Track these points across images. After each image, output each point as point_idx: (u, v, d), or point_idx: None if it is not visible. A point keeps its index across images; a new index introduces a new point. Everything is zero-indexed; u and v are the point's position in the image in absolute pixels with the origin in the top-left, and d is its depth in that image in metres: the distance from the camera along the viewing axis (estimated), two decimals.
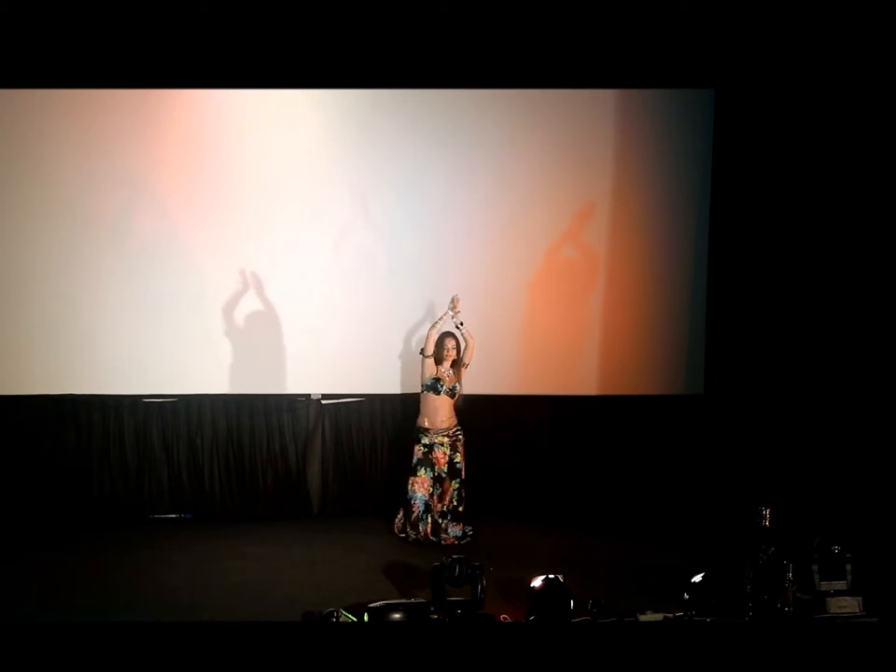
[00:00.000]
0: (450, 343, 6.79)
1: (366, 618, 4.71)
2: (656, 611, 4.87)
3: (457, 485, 6.79)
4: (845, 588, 4.90)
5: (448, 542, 6.67)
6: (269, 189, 7.37)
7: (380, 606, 4.73)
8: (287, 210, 7.42)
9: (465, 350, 6.82)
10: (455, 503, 6.78)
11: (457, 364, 6.83)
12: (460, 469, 6.81)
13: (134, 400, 7.46)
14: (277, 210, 7.40)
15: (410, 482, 6.79)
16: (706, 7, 5.10)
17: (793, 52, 5.35)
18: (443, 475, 6.76)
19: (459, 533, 6.75)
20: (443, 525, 6.73)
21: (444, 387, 6.76)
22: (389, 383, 7.59)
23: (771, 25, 5.19)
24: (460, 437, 6.83)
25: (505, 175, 7.59)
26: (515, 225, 7.64)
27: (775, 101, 7.14)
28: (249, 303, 7.41)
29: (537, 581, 4.83)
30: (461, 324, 6.73)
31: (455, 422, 6.82)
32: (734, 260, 7.62)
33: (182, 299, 7.33)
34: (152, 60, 5.13)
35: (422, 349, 6.83)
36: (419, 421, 6.83)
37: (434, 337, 6.77)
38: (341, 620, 4.78)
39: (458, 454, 6.81)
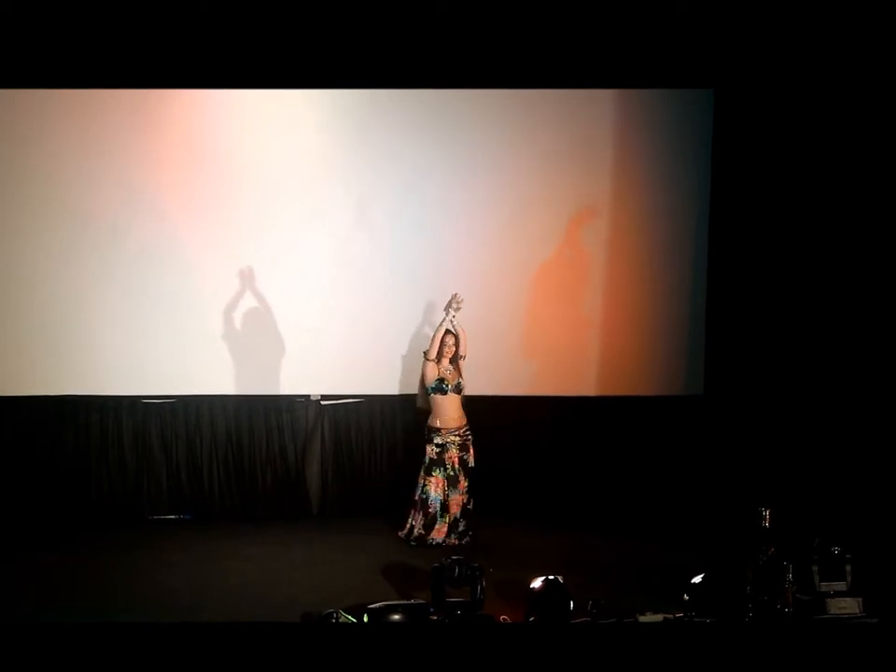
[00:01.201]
0: (449, 340, 6.81)
1: (365, 619, 4.70)
2: (656, 612, 4.86)
3: (467, 484, 6.78)
4: (845, 589, 4.89)
5: (450, 544, 6.66)
6: (269, 189, 7.36)
7: (379, 607, 4.72)
8: (287, 210, 7.42)
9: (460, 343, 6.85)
10: (465, 503, 6.77)
11: (456, 359, 6.84)
12: (471, 468, 6.81)
13: (133, 401, 7.45)
14: (277, 210, 7.40)
15: (424, 481, 6.77)
16: (706, 7, 5.10)
17: (792, 52, 5.36)
18: (455, 474, 6.75)
19: (469, 533, 6.75)
20: (461, 527, 6.72)
21: (449, 386, 6.77)
22: (388, 383, 7.58)
23: (770, 26, 5.19)
24: (469, 437, 6.83)
25: (504, 175, 7.58)
26: (515, 225, 7.63)
27: (774, 101, 7.13)
28: (249, 304, 7.40)
29: (536, 582, 4.82)
30: (453, 317, 6.76)
31: (465, 421, 6.83)
32: (733, 261, 7.60)
33: (181, 299, 7.32)
34: (152, 60, 5.13)
35: (425, 351, 6.82)
36: (430, 421, 6.82)
37: (439, 338, 6.78)
38: (340, 621, 4.77)
39: (468, 454, 6.81)
